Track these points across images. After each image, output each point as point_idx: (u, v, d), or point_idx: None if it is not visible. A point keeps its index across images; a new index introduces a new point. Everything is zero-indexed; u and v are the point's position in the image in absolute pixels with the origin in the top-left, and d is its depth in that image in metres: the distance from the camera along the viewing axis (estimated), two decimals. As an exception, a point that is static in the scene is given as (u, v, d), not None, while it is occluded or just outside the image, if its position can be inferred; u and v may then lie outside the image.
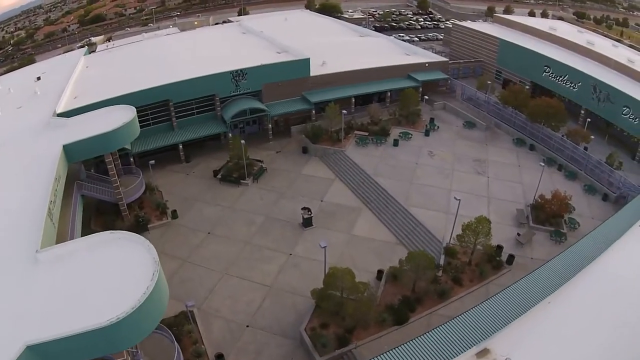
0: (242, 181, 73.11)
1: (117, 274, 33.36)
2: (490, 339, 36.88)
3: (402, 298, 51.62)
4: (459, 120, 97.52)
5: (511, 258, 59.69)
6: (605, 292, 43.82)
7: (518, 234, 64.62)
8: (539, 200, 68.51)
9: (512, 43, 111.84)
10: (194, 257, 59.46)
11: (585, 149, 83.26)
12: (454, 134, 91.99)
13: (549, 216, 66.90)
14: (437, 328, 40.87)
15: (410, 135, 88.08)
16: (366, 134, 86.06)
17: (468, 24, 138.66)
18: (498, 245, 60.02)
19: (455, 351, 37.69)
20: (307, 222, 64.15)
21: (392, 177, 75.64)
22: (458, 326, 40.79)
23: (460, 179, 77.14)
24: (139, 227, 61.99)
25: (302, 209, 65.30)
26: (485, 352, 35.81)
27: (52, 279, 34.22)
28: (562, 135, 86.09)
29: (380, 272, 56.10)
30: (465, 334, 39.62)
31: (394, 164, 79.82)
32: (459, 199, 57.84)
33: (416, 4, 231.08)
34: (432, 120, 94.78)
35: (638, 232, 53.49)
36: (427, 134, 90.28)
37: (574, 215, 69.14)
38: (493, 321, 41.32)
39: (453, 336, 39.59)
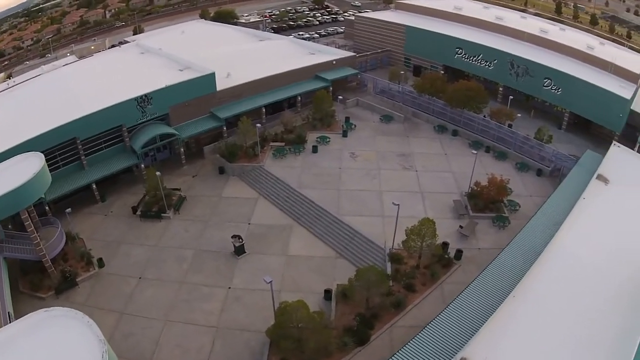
0: (163, 214, 70.42)
1: (63, 360, 31.21)
2: (465, 348, 36.35)
3: (358, 317, 50.73)
4: (374, 115, 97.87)
5: (459, 253, 60.05)
6: (566, 275, 44.64)
7: (460, 227, 65.07)
8: (475, 188, 69.20)
9: (419, 29, 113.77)
10: (131, 307, 56.50)
11: (510, 126, 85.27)
12: (372, 131, 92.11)
13: (487, 202, 67.82)
14: (405, 347, 40.18)
15: (328, 139, 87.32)
16: (283, 144, 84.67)
17: (371, 14, 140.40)
18: (443, 242, 60.10)
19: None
20: (239, 250, 62.35)
21: (318, 187, 74.62)
22: (427, 340, 40.36)
23: (388, 177, 77.07)
24: (67, 282, 58.84)
25: (232, 237, 63.43)
26: (462, 361, 35.22)
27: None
28: (484, 116, 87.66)
29: (327, 291, 55.11)
30: (437, 347, 39.13)
31: (317, 172, 78.84)
32: (398, 204, 57.15)
33: (311, 0, 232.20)
34: (347, 119, 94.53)
35: (585, 207, 54.69)
36: (344, 134, 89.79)
37: (512, 196, 70.51)
38: (463, 327, 41.17)
39: (424, 353, 38.90)
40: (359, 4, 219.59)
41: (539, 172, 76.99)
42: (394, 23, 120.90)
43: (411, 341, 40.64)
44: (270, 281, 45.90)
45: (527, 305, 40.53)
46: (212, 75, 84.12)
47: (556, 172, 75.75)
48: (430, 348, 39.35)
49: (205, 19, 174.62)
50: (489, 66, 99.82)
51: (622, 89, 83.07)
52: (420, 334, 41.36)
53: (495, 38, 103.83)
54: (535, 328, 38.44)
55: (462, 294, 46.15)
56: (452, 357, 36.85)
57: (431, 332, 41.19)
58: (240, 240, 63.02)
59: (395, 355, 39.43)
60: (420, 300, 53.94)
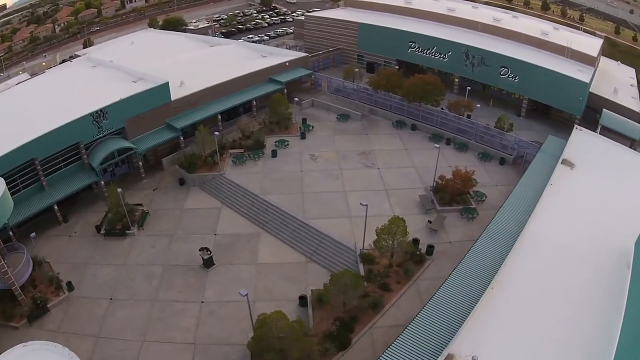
0: (127, 231, 69.34)
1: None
2: (451, 344, 36.64)
3: (337, 321, 50.71)
4: (331, 115, 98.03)
5: (430, 248, 60.49)
6: (542, 262, 45.22)
7: (429, 221, 65.57)
8: (440, 182, 69.85)
9: (371, 25, 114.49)
10: (106, 330, 55.28)
11: (469, 117, 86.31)
12: (330, 131, 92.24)
13: (453, 195, 68.51)
14: (390, 348, 40.14)
15: (287, 142, 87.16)
16: (241, 150, 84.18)
17: (321, 13, 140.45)
18: (414, 239, 60.46)
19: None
20: (208, 263, 61.64)
21: (281, 192, 74.38)
22: (410, 339, 40.40)
23: (351, 177, 77.30)
24: (39, 309, 57.42)
25: (199, 249, 62.67)
26: (450, 358, 35.47)
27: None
28: (442, 109, 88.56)
29: (302, 298, 55.02)
30: (421, 346, 39.24)
31: (279, 176, 78.63)
32: (366, 204, 57.22)
33: (259, 2, 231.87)
34: (304, 120, 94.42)
35: (553, 192, 55.63)
36: (303, 136, 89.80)
37: (477, 187, 71.29)
38: (445, 323, 41.38)
39: (409, 352, 39.03)
40: (294, 1, 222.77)
41: (502, 161, 78.26)
42: (345, 21, 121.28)
43: (395, 342, 40.64)
44: (246, 294, 45.39)
45: (506, 295, 41.02)
46: (166, 85, 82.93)
47: (519, 160, 77.13)
48: (415, 347, 39.39)
49: (154, 28, 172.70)
50: (444, 58, 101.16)
51: (580, 72, 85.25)
52: (403, 333, 41.38)
53: (448, 30, 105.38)
54: (517, 317, 39.02)
55: (440, 290, 46.31)
56: (438, 355, 37.07)
57: (414, 331, 41.23)
58: (209, 252, 62.24)
59: (380, 358, 39.47)
60: (397, 299, 54.23)
